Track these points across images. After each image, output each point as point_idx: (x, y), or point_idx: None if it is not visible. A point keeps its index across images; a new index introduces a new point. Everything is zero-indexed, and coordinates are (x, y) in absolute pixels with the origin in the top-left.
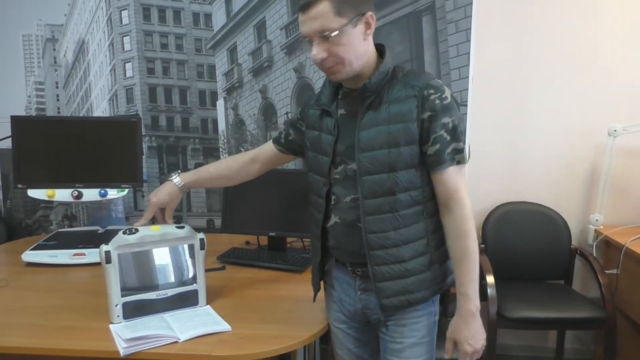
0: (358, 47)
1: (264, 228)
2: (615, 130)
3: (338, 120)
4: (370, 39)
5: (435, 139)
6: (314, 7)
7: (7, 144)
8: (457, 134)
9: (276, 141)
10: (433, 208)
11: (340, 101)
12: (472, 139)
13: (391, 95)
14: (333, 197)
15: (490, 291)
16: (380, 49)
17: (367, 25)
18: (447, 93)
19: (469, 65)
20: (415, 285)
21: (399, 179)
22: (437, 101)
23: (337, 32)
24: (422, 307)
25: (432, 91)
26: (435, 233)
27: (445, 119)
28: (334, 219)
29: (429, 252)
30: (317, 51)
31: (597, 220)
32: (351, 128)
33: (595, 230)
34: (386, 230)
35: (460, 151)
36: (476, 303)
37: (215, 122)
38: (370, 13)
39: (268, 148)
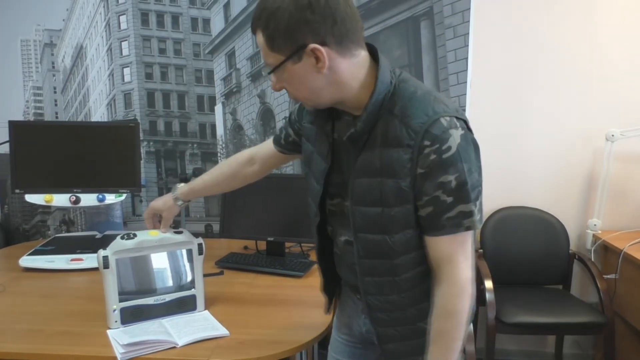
0: (312, 83)
1: (262, 233)
2: (613, 135)
3: (333, 145)
4: (340, 66)
5: (428, 202)
6: (256, 36)
7: (5, 149)
8: (463, 192)
9: (276, 142)
10: None
11: (335, 122)
12: None
13: (385, 135)
14: (330, 229)
15: (489, 296)
16: (375, 54)
17: (317, 58)
18: (452, 141)
19: (467, 70)
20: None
21: (394, 243)
22: (433, 156)
23: (273, 69)
24: None
25: (428, 142)
26: None
27: (444, 177)
28: (335, 249)
29: None
30: (273, 83)
31: (595, 225)
32: (346, 161)
33: (594, 235)
34: (386, 294)
35: (469, 214)
36: None
37: (213, 127)
38: (312, 46)
39: (267, 148)
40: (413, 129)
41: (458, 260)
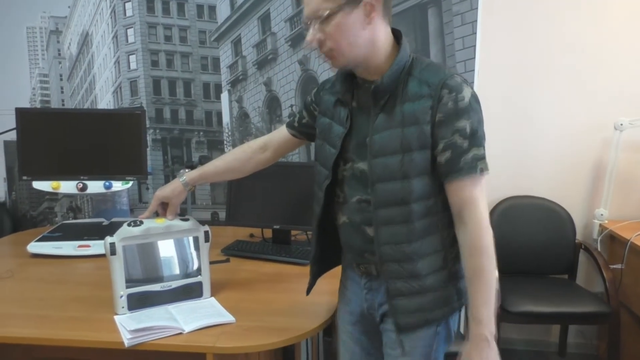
0: (354, 36)
1: (268, 221)
2: (621, 124)
3: (352, 111)
4: (379, 26)
5: (447, 146)
6: None
7: (12, 136)
8: (477, 138)
9: (290, 125)
10: (448, 219)
11: (355, 92)
12: None
13: (406, 93)
14: (341, 195)
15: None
16: (397, 35)
17: (369, 11)
18: (465, 93)
19: (474, 58)
20: (433, 303)
21: (413, 187)
22: (450, 103)
23: (326, 16)
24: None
25: (446, 91)
26: (454, 246)
27: (461, 123)
28: (342, 219)
29: (447, 267)
30: (311, 35)
31: (602, 214)
32: (364, 125)
33: (600, 225)
34: (399, 242)
35: (482, 158)
36: (490, 328)
37: (219, 114)
38: None
39: (280, 134)
40: (432, 83)
41: (478, 202)
